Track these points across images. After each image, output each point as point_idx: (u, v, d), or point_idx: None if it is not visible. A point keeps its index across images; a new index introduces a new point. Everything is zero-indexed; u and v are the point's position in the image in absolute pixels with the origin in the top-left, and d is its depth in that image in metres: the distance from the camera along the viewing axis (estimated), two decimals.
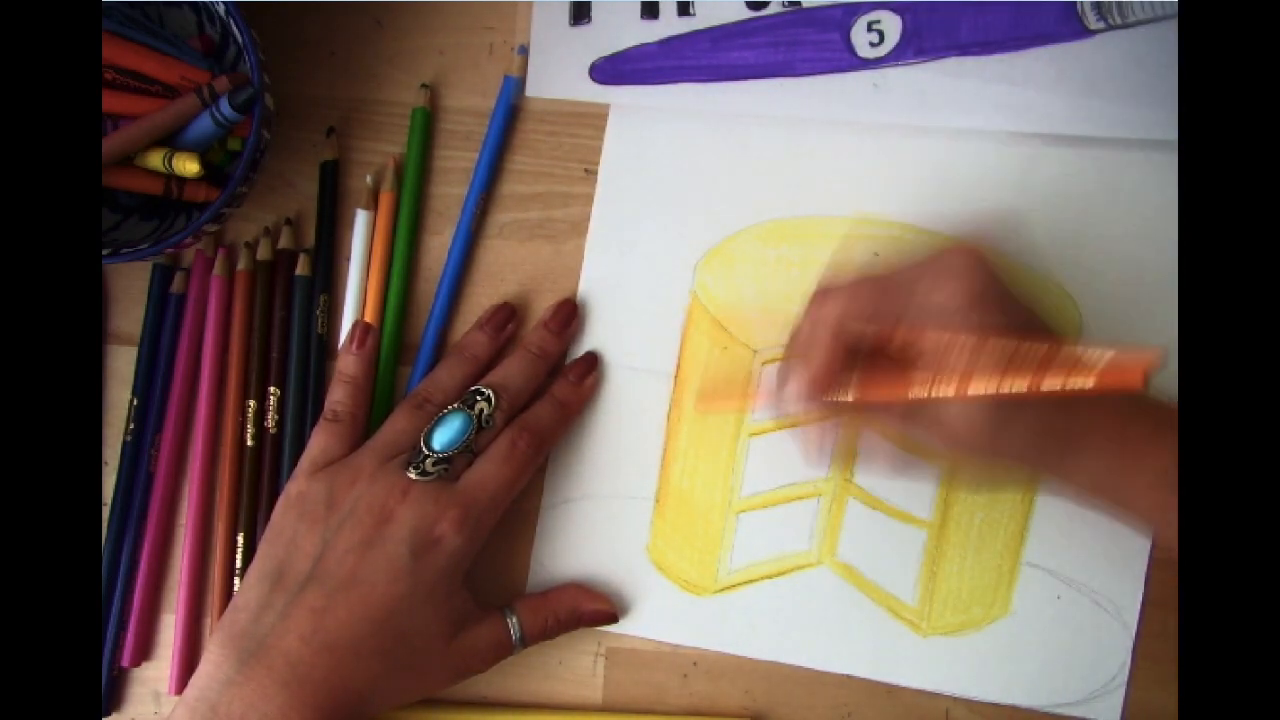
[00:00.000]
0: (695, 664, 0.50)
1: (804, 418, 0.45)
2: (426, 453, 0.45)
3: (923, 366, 0.38)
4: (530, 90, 0.50)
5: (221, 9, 0.45)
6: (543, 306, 0.50)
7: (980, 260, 0.40)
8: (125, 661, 0.50)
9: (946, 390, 0.37)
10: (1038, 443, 0.40)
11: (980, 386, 0.36)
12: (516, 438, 0.46)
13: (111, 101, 0.47)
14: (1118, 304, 0.48)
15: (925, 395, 0.38)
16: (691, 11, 0.49)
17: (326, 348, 0.50)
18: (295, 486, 0.46)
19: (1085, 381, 0.34)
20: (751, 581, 0.49)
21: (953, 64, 0.48)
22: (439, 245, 0.50)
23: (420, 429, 0.46)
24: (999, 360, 0.37)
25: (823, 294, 0.41)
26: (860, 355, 0.41)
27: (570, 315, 0.49)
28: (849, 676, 0.49)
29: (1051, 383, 0.35)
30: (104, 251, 0.45)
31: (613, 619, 0.49)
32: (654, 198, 0.50)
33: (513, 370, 0.48)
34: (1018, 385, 0.36)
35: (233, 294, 0.50)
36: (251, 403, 0.50)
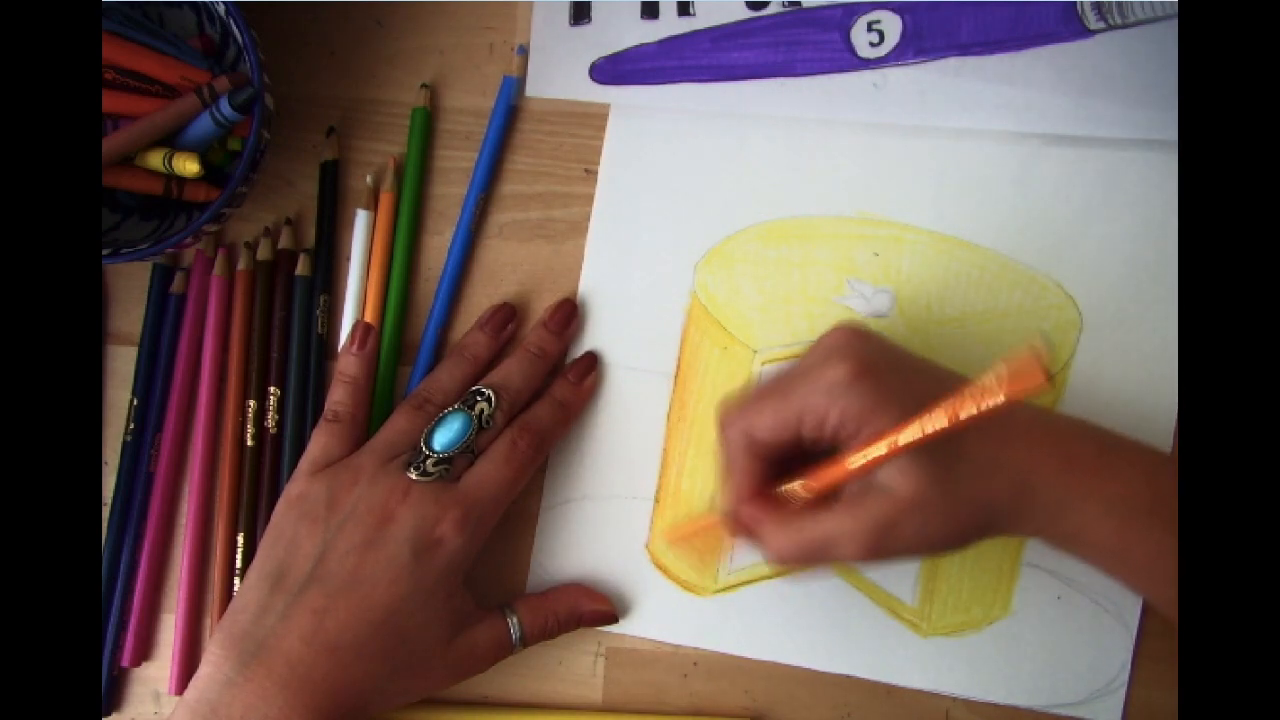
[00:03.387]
0: (695, 664, 0.50)
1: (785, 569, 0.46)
2: (427, 453, 0.45)
3: (846, 440, 0.40)
4: (530, 90, 0.50)
5: (221, 9, 0.45)
6: (543, 306, 0.50)
7: (859, 334, 0.41)
8: (125, 661, 0.50)
9: (879, 449, 0.38)
10: (988, 482, 0.40)
11: (907, 434, 0.38)
12: (517, 438, 0.46)
13: (111, 101, 0.46)
14: (1118, 304, 0.48)
15: (865, 461, 0.39)
16: (691, 11, 0.49)
17: (326, 348, 0.50)
18: (295, 487, 0.46)
19: (995, 397, 0.35)
20: (751, 581, 0.49)
21: (953, 64, 0.48)
22: (439, 245, 0.50)
23: (421, 429, 0.46)
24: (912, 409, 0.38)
25: (724, 419, 0.43)
26: (795, 462, 0.42)
27: (570, 315, 0.49)
28: (849, 676, 0.49)
29: (968, 408, 0.36)
30: (104, 251, 0.45)
31: (613, 619, 0.49)
32: (654, 198, 0.50)
33: (513, 370, 0.48)
34: (938, 421, 0.37)
35: (233, 294, 0.50)
36: (251, 403, 0.49)
